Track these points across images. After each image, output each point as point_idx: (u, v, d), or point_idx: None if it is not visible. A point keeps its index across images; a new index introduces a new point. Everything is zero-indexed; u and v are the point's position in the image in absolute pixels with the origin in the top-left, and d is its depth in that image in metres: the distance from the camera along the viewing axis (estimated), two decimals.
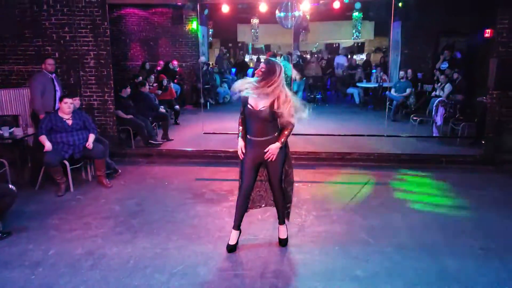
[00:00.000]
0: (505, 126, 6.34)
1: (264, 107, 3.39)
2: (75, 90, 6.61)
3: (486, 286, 3.21)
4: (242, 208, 3.73)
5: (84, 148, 5.40)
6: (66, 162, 5.25)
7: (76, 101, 5.85)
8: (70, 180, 5.32)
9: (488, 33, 9.09)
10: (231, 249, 3.75)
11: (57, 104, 5.90)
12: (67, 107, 5.27)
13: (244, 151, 3.62)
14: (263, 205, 3.95)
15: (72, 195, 5.20)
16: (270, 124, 3.48)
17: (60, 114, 5.33)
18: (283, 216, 3.85)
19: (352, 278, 3.32)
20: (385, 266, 3.49)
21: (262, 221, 4.38)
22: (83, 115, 5.58)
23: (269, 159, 3.53)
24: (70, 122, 5.35)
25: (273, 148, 3.49)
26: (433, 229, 4.20)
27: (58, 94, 6.04)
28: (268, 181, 3.77)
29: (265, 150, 3.49)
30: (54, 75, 6.10)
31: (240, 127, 3.67)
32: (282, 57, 8.92)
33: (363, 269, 3.44)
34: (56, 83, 6.08)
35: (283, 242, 3.87)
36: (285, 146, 3.63)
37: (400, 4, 7.32)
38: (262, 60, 15.14)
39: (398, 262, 3.54)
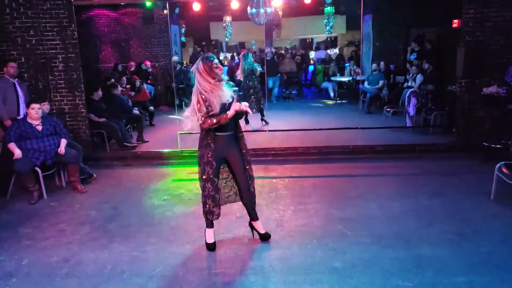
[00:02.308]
0: (473, 113, 6.50)
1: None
2: (44, 95, 6.44)
3: (460, 270, 3.28)
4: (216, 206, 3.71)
5: (56, 154, 5.27)
6: (38, 169, 5.12)
7: (45, 106, 5.72)
8: (42, 187, 5.19)
9: (455, 23, 9.30)
10: (214, 247, 3.74)
11: (22, 110, 5.73)
12: (34, 113, 5.13)
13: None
14: (232, 201, 3.90)
15: (46, 203, 5.07)
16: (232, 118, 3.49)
17: (28, 120, 5.18)
18: (254, 212, 3.83)
19: (330, 270, 3.35)
20: (363, 257, 3.53)
21: (240, 218, 4.37)
22: (53, 120, 5.45)
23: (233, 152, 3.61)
24: (40, 127, 5.22)
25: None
26: (409, 217, 4.28)
27: (22, 99, 5.83)
28: (233, 178, 3.77)
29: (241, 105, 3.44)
30: (17, 80, 5.90)
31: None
32: (242, 54, 8.52)
33: (341, 261, 3.48)
34: (19, 88, 5.87)
35: (265, 237, 3.85)
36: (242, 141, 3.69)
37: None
38: (236, 57, 15.15)
39: (375, 252, 3.59)
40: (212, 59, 3.41)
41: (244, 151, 3.68)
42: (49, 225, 4.41)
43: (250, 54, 8.71)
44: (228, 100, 3.44)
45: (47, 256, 3.74)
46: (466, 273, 3.24)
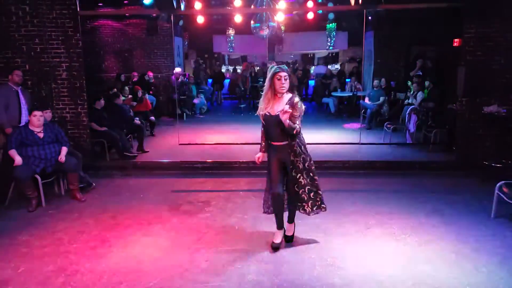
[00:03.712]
0: (474, 132, 6.52)
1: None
2: (47, 103, 6.46)
3: None
4: (280, 210, 3.96)
5: (57, 162, 5.28)
6: (38, 176, 5.11)
7: (47, 114, 5.74)
8: (41, 195, 5.18)
9: (456, 42, 9.40)
10: (276, 247, 3.95)
11: (24, 118, 5.76)
12: (36, 120, 5.15)
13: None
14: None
15: (44, 210, 5.06)
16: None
17: (30, 127, 5.20)
18: (293, 215, 4.08)
19: (329, 286, 3.33)
20: (361, 273, 3.51)
21: (239, 230, 4.36)
22: (55, 128, 5.46)
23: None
24: (41, 135, 5.23)
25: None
26: (407, 234, 4.26)
27: (24, 107, 5.85)
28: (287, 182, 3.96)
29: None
30: (20, 87, 5.94)
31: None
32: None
33: (339, 276, 3.46)
34: (22, 96, 5.89)
35: (288, 239, 4.11)
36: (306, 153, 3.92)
37: (369, 18, 7.49)
38: (238, 70, 15.24)
39: (373, 269, 3.57)
40: (278, 70, 3.66)
41: (293, 164, 3.82)
42: (46, 233, 4.39)
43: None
44: (276, 112, 3.65)
45: (44, 264, 3.72)
46: None
